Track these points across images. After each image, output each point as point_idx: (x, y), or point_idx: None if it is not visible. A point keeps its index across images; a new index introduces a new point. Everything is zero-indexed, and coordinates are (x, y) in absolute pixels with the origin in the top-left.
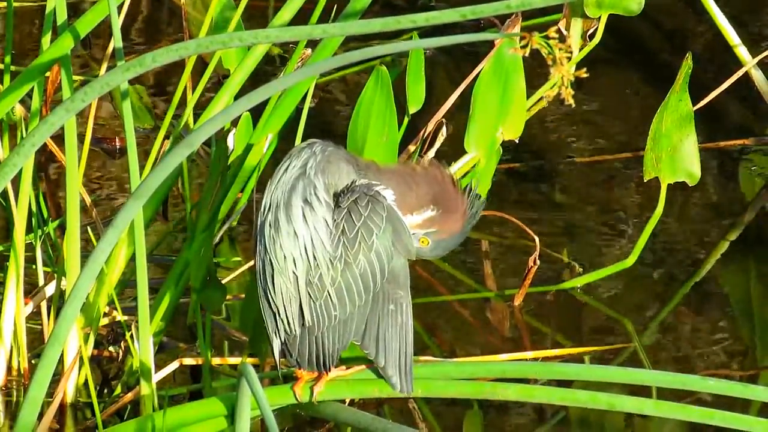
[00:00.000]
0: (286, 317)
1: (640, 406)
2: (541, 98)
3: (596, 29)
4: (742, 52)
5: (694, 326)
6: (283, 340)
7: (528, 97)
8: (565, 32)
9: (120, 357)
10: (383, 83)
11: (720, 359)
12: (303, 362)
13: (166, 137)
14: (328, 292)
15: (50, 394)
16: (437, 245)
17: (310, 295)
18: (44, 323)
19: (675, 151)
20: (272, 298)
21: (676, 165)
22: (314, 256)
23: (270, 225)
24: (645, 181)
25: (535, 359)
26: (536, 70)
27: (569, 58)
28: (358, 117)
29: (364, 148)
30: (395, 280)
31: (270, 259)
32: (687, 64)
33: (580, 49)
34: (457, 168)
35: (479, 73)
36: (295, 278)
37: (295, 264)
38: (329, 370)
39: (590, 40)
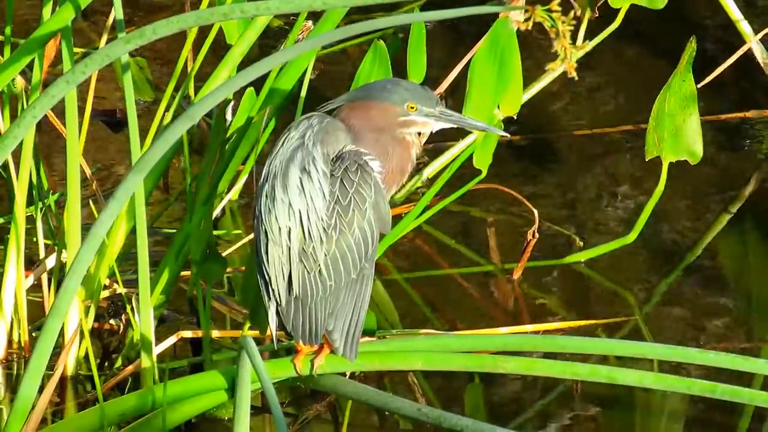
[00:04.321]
0: (278, 287)
1: (641, 380)
2: (545, 71)
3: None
4: (744, 26)
5: (695, 299)
6: (276, 310)
7: (530, 72)
8: (573, 2)
9: (120, 330)
10: (381, 58)
11: (722, 332)
12: (296, 334)
13: (167, 110)
14: (321, 262)
15: (51, 367)
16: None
17: (304, 264)
18: (45, 296)
19: (678, 131)
20: (266, 268)
21: (679, 144)
22: (309, 227)
23: (266, 195)
24: (647, 160)
25: (536, 332)
26: (541, 44)
27: (575, 30)
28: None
29: None
30: None
31: (265, 229)
32: (691, 47)
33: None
34: (461, 146)
35: (476, 51)
36: (288, 249)
37: (289, 235)
38: (318, 342)
39: (598, 12)
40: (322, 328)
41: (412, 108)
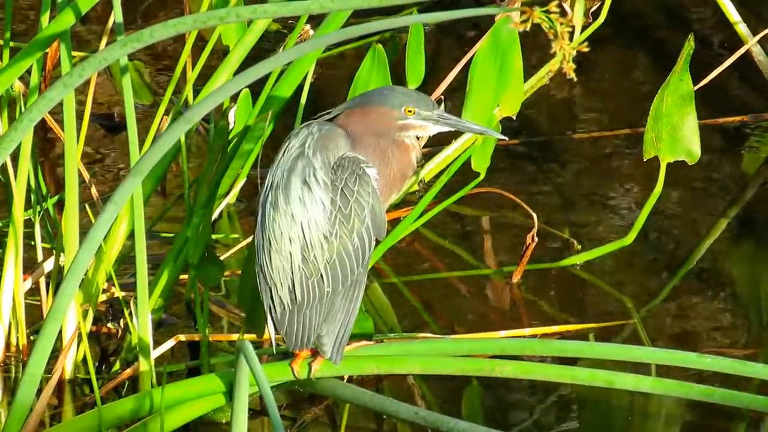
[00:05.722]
0: (281, 294)
1: (639, 384)
2: (543, 77)
3: (600, 7)
4: (742, 28)
5: (694, 303)
6: (276, 315)
7: (530, 75)
8: (568, 9)
9: (118, 333)
10: (379, 61)
11: (720, 336)
12: (289, 339)
13: (166, 113)
14: (322, 268)
15: (49, 370)
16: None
17: (304, 271)
18: (43, 299)
19: (675, 131)
20: (269, 274)
21: (676, 144)
22: (310, 237)
23: (270, 204)
24: (645, 160)
25: (534, 336)
26: (537, 48)
27: (571, 34)
28: (355, 95)
29: None
30: None
31: (269, 237)
32: (689, 45)
33: (584, 28)
34: (455, 147)
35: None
36: (290, 257)
37: (291, 243)
38: (309, 346)
39: (593, 18)
40: (315, 333)
41: (410, 111)
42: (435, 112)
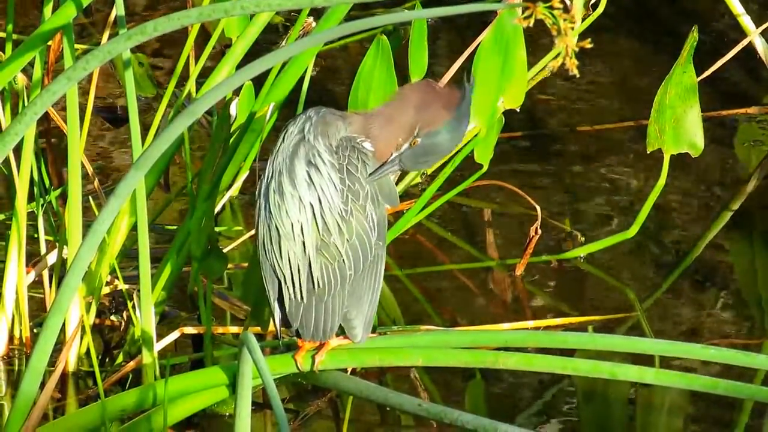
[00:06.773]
0: (293, 284)
1: (642, 375)
2: (544, 68)
3: None
4: (745, 20)
5: (697, 295)
6: (288, 308)
7: (530, 66)
8: (568, 1)
9: (122, 326)
10: (384, 53)
11: (723, 328)
12: (306, 331)
13: (169, 106)
14: (342, 251)
15: (52, 363)
16: (431, 138)
17: (325, 256)
18: (46, 292)
19: (678, 123)
20: (279, 264)
21: (680, 136)
22: (324, 218)
23: (274, 191)
24: (648, 152)
25: (537, 328)
26: (538, 40)
27: (573, 28)
28: (358, 87)
29: None
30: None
31: (276, 225)
32: (693, 37)
33: (583, 19)
34: None
35: (481, 42)
36: (302, 243)
37: (302, 229)
38: (331, 337)
39: (593, 10)
40: (338, 321)
41: (415, 138)
42: (407, 161)
